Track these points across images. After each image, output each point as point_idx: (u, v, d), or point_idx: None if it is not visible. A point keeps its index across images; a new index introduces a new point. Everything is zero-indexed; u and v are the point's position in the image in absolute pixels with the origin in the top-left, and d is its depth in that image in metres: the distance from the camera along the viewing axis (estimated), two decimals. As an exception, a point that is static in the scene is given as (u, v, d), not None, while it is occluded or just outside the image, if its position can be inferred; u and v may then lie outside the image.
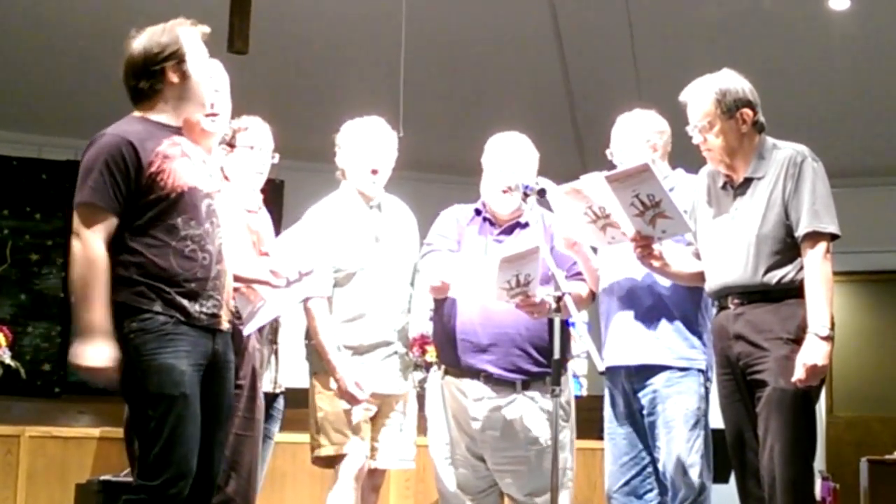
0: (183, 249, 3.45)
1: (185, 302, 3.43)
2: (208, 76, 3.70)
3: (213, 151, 4.01)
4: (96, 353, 3.32)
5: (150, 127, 3.51)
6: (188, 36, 3.58)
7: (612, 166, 4.47)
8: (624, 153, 4.53)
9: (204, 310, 3.48)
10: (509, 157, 4.55)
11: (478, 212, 4.63)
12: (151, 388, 3.38)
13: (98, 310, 3.34)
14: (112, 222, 3.40)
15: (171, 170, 3.46)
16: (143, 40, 3.54)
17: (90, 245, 3.36)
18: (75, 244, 3.39)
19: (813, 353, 3.81)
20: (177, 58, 3.53)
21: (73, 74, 9.74)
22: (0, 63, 9.72)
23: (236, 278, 3.72)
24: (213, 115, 3.92)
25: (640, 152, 4.48)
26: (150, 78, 3.53)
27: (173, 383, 3.38)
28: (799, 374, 3.82)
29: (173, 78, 3.54)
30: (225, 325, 3.58)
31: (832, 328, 3.85)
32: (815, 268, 3.88)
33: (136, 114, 3.57)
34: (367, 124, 4.80)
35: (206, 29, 3.69)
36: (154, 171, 3.43)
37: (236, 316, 3.74)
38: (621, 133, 4.58)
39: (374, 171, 4.72)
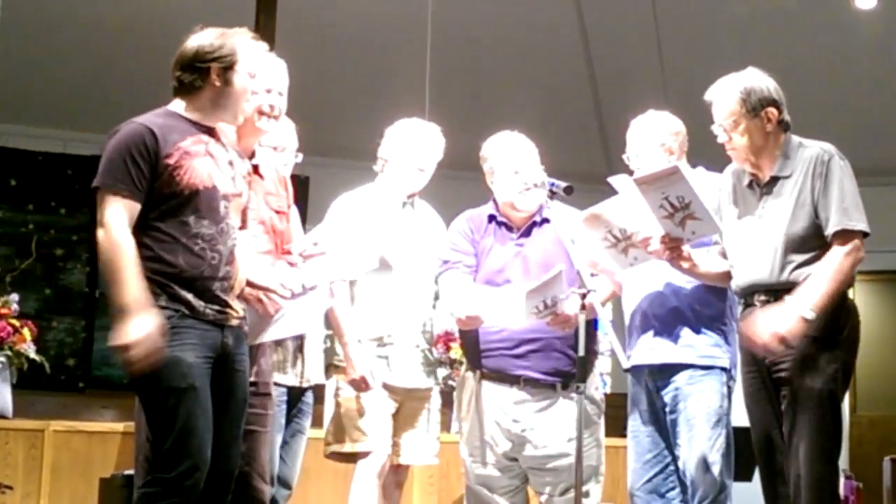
0: (193, 247, 3.46)
1: (189, 296, 3.44)
2: (250, 91, 3.72)
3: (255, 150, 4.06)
4: (134, 326, 3.28)
5: (178, 122, 3.53)
6: (245, 47, 3.61)
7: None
8: (640, 157, 4.52)
9: (209, 309, 3.49)
10: (521, 155, 4.51)
11: (490, 217, 4.55)
12: (160, 381, 3.39)
13: (131, 288, 3.31)
14: (135, 209, 3.40)
15: (189, 167, 3.47)
16: (200, 36, 3.58)
17: (115, 230, 3.35)
18: (100, 233, 3.38)
19: (784, 321, 3.79)
20: (226, 62, 3.55)
21: (98, 70, 9.78)
22: (26, 59, 9.77)
23: (248, 283, 3.70)
24: (273, 116, 3.98)
25: (656, 156, 4.47)
26: (195, 73, 3.55)
27: (181, 375, 3.39)
28: (762, 336, 3.81)
29: (216, 80, 3.56)
30: (233, 322, 3.58)
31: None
32: (834, 258, 3.84)
33: (170, 107, 3.59)
34: (423, 125, 4.87)
35: (265, 46, 3.75)
36: (172, 165, 3.44)
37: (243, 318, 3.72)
38: (636, 137, 4.56)
39: (421, 170, 4.77)
